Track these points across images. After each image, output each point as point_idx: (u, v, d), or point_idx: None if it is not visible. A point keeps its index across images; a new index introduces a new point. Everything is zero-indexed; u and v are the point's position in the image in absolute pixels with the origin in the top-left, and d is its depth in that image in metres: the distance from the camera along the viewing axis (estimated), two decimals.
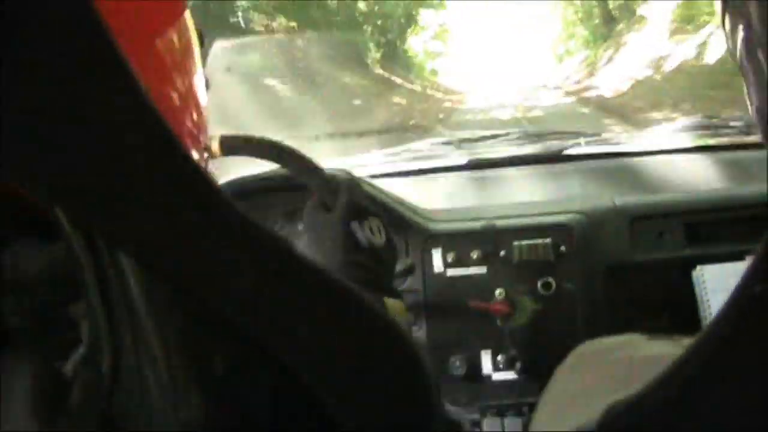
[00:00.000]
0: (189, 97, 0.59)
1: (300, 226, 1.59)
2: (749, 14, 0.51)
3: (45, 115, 0.40)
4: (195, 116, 0.61)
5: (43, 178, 0.42)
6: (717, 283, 1.31)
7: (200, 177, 0.46)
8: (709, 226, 1.44)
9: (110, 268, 0.50)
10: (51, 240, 0.51)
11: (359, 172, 1.57)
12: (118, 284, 0.50)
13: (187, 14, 0.61)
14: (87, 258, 0.49)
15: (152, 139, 0.44)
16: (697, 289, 1.32)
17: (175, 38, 0.57)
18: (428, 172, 1.79)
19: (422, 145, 2.02)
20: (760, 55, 0.50)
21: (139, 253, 0.47)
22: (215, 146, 0.94)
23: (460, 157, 1.83)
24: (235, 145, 0.94)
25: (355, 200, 0.93)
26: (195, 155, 0.63)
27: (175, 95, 0.57)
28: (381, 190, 1.52)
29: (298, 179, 0.98)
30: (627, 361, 0.62)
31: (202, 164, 0.65)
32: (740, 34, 0.53)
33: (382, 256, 0.93)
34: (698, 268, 1.33)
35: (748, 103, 0.56)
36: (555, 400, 0.65)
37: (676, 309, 1.40)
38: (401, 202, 1.52)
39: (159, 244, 0.46)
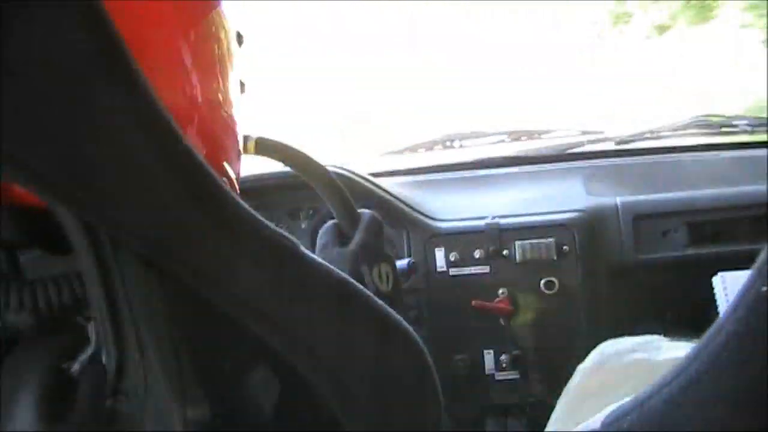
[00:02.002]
0: (216, 96, 0.59)
1: (303, 225, 1.59)
2: None
3: (50, 116, 0.40)
4: (225, 115, 0.61)
5: (50, 179, 0.42)
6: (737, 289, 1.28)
7: (208, 177, 0.46)
8: (713, 225, 1.44)
9: (116, 272, 0.50)
10: (62, 248, 0.51)
11: (362, 170, 1.57)
12: (123, 288, 0.50)
13: (223, 15, 0.60)
14: (94, 264, 0.50)
15: (158, 139, 0.44)
16: (717, 296, 1.31)
17: (199, 38, 0.57)
18: (431, 170, 1.78)
19: (425, 144, 2.01)
20: None
21: (145, 253, 0.47)
22: (250, 144, 0.93)
23: (464, 156, 1.83)
24: (270, 148, 0.94)
25: (371, 242, 0.93)
26: (230, 154, 0.63)
27: (197, 93, 0.56)
28: (384, 189, 1.52)
29: (324, 201, 0.98)
30: (646, 363, 0.62)
31: (237, 165, 0.65)
32: None
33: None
34: (719, 275, 1.31)
35: None
36: (574, 398, 0.65)
37: (680, 308, 1.40)
38: (404, 200, 1.52)
39: (165, 243, 0.46)
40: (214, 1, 0.60)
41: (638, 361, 0.63)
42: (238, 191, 0.62)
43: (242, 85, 0.65)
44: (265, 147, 0.93)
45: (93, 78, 0.41)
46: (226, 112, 0.61)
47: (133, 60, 0.42)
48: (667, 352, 0.64)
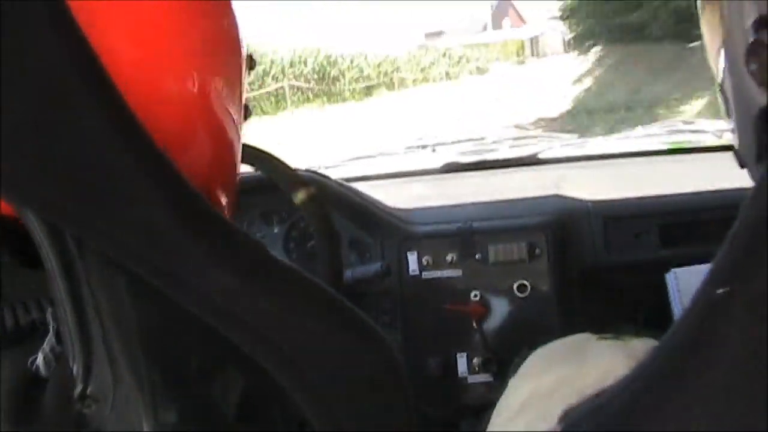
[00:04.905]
0: (222, 90, 0.58)
1: (276, 229, 1.59)
2: (726, 11, 0.52)
3: (21, 121, 0.40)
4: (231, 113, 0.60)
5: (19, 183, 0.42)
6: (690, 287, 1.32)
7: (179, 180, 0.46)
8: (684, 227, 1.46)
9: (82, 274, 0.49)
10: (35, 258, 0.51)
11: (335, 175, 1.56)
12: (89, 290, 0.50)
13: (233, 12, 0.59)
14: (59, 265, 0.49)
15: (128, 142, 0.44)
16: (670, 293, 1.33)
17: (209, 27, 0.56)
18: (405, 175, 1.78)
19: (398, 149, 2.02)
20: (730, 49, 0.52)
21: (113, 256, 0.47)
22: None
23: (436, 161, 1.84)
24: (253, 157, 0.95)
25: None
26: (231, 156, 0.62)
27: (206, 81, 0.55)
28: (357, 193, 1.51)
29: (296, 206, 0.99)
30: (576, 366, 0.62)
31: (236, 177, 0.64)
32: (718, 29, 0.54)
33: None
34: (672, 271, 1.33)
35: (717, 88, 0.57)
36: (509, 408, 0.64)
37: (650, 310, 1.41)
38: (377, 204, 1.52)
39: (135, 246, 0.45)
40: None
41: (570, 365, 0.63)
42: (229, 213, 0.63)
43: (246, 108, 0.65)
44: (248, 155, 0.93)
45: (65, 83, 0.41)
46: (230, 111, 0.60)
47: (104, 67, 0.42)
48: (596, 354, 0.64)
